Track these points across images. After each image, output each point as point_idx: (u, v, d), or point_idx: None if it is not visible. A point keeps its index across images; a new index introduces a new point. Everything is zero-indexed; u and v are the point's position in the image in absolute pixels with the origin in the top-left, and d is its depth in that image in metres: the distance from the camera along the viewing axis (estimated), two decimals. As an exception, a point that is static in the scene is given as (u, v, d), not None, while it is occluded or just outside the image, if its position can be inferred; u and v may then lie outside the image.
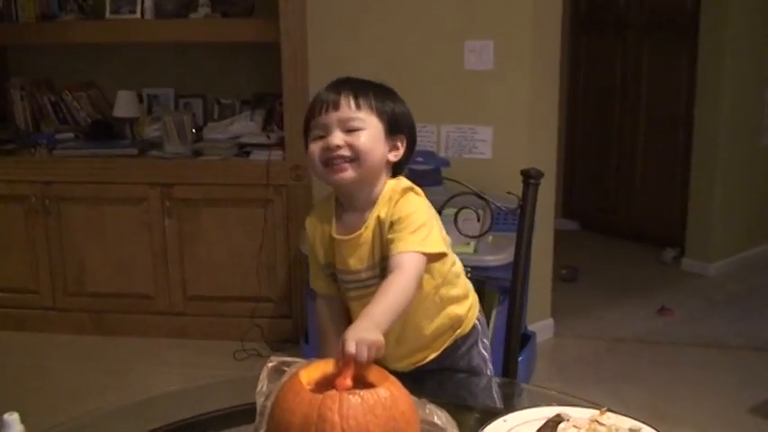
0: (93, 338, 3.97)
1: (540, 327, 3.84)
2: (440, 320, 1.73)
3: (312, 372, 1.28)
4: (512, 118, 3.59)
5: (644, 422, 1.38)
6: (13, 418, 1.14)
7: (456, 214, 2.03)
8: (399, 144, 1.66)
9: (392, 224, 1.59)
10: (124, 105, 4.07)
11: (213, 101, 4.26)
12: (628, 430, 1.36)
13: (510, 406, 1.72)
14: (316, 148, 1.62)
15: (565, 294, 4.27)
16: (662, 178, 5.06)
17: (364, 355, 1.27)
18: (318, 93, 1.66)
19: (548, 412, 1.39)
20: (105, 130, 4.10)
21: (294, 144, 3.70)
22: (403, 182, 1.66)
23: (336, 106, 1.60)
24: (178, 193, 3.83)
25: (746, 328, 4.01)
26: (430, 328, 1.72)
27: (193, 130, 3.96)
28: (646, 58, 5.07)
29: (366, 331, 1.31)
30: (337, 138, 1.59)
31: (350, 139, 1.59)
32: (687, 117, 4.79)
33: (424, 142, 3.60)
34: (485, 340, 1.84)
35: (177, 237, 3.87)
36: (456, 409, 1.39)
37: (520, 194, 2.00)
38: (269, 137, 3.86)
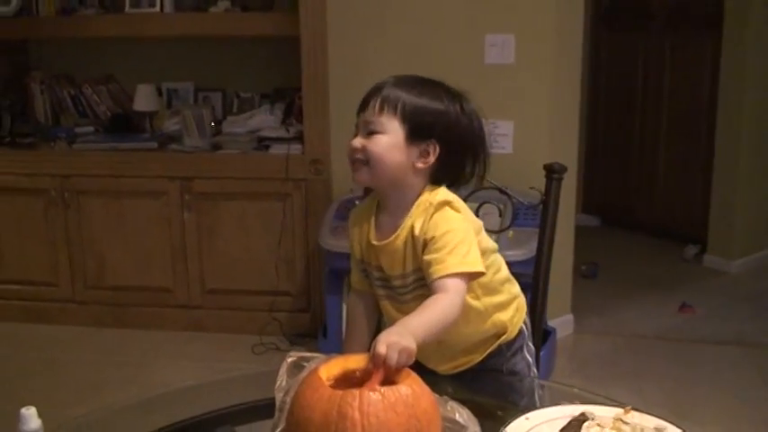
0: (112, 331, 3.98)
1: (560, 323, 3.81)
2: (484, 328, 1.70)
3: (332, 367, 1.26)
4: (533, 112, 3.56)
5: (668, 420, 1.36)
6: (30, 412, 1.13)
7: (477, 209, 2.01)
8: (430, 150, 1.59)
9: (427, 242, 1.55)
10: (144, 99, 4.08)
11: (233, 94, 4.26)
12: (653, 429, 1.34)
13: (532, 403, 1.70)
14: (349, 144, 1.61)
15: (585, 290, 4.24)
16: (684, 174, 5.01)
17: (394, 359, 1.24)
18: None
19: (571, 410, 1.37)
20: (125, 124, 4.11)
21: (313, 138, 3.69)
22: (440, 194, 1.60)
23: (364, 107, 1.59)
24: (197, 187, 3.83)
25: (769, 325, 3.98)
26: (474, 334, 1.69)
27: (212, 124, 3.96)
28: (668, 52, 5.02)
29: (399, 336, 1.28)
30: (356, 140, 1.59)
31: (366, 142, 1.57)
32: (710, 112, 4.74)
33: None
34: (530, 344, 1.81)
35: (196, 230, 3.87)
36: (479, 406, 1.37)
37: (541, 189, 1.97)
38: (288, 131, 3.85)
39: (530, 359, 1.81)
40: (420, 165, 1.59)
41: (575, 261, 3.94)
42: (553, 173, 1.94)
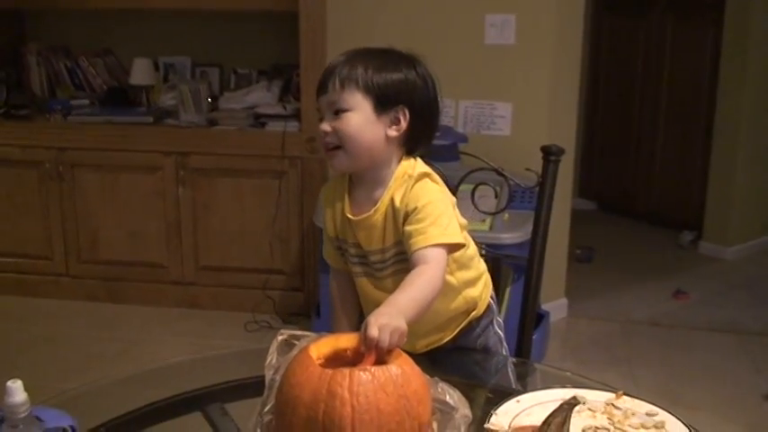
0: (105, 306, 3.97)
1: (554, 306, 3.81)
2: (456, 304, 1.69)
3: (322, 346, 1.25)
4: (532, 95, 3.54)
5: (659, 406, 1.35)
6: (16, 385, 1.11)
7: (473, 190, 1.99)
8: (401, 117, 1.56)
9: (408, 214, 1.53)
10: (140, 73, 4.05)
11: (230, 70, 4.24)
12: (644, 414, 1.34)
13: (523, 386, 1.69)
14: (319, 131, 1.58)
15: (580, 275, 4.23)
16: (682, 160, 5.00)
17: (386, 340, 1.22)
18: None
19: (562, 394, 1.37)
20: (121, 98, 4.09)
21: (310, 116, 3.67)
22: (419, 165, 1.59)
23: (324, 89, 1.55)
24: (193, 163, 3.81)
25: (763, 313, 3.97)
26: (446, 311, 1.68)
27: (209, 100, 3.94)
28: (669, 38, 5.00)
29: (389, 317, 1.26)
30: (325, 124, 1.55)
31: (336, 123, 1.53)
32: (709, 99, 4.73)
33: (442, 117, 3.56)
34: (499, 319, 1.81)
35: (191, 206, 3.86)
36: (469, 388, 1.37)
37: (538, 172, 1.96)
38: (285, 108, 3.83)
39: (501, 334, 1.81)
40: (393, 133, 1.56)
41: (570, 245, 3.93)
42: (550, 155, 1.92)
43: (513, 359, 1.84)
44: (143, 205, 3.89)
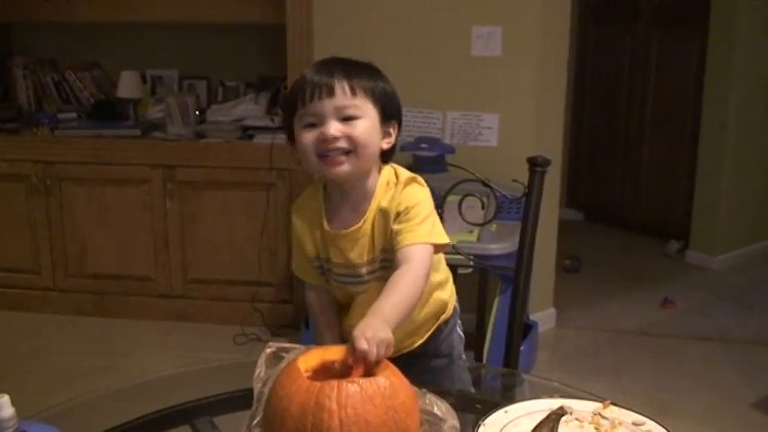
0: (93, 320, 3.96)
1: (542, 317, 3.81)
2: (428, 308, 1.70)
3: (310, 359, 1.25)
4: (518, 106, 3.56)
5: (646, 415, 1.36)
6: (3, 400, 1.11)
7: (460, 201, 2.00)
8: (392, 131, 1.58)
9: (398, 214, 1.54)
10: (128, 86, 4.05)
11: (217, 83, 4.24)
12: (631, 424, 1.34)
13: (511, 396, 1.70)
14: (309, 138, 1.50)
15: (568, 285, 4.24)
16: (668, 170, 5.03)
17: (374, 352, 1.23)
18: (306, 75, 1.53)
19: (550, 404, 1.37)
20: (108, 111, 4.08)
21: (298, 128, 3.67)
22: (401, 171, 1.61)
23: (331, 93, 1.48)
24: (180, 176, 3.81)
25: (750, 322, 3.99)
26: (419, 315, 1.68)
27: (197, 112, 3.94)
28: (654, 48, 5.03)
29: (376, 329, 1.26)
30: (334, 128, 1.48)
31: (347, 129, 1.49)
32: (695, 109, 4.76)
33: (429, 128, 3.58)
34: (459, 321, 1.83)
35: (179, 219, 3.85)
36: (457, 398, 1.37)
37: (525, 183, 1.97)
38: (273, 120, 3.83)
39: (462, 334, 1.83)
40: (386, 146, 1.58)
41: (558, 255, 3.94)
42: (536, 166, 1.93)
43: (467, 362, 1.86)
44: (130, 218, 3.88)
